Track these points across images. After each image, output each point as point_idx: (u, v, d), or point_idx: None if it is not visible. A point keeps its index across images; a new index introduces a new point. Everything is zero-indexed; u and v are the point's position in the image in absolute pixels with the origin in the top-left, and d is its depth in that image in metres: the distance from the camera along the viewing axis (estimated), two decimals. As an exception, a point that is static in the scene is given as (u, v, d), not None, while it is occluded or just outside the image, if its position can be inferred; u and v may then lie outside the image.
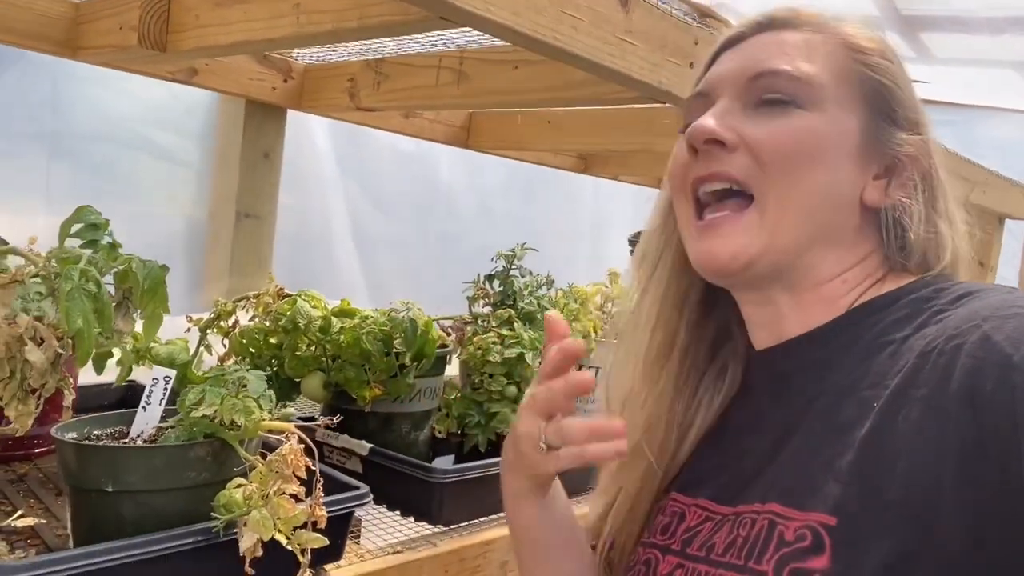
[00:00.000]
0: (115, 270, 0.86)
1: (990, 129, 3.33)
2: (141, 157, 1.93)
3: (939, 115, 3.08)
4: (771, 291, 0.70)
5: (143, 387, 0.95)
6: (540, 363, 0.81)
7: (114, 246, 0.89)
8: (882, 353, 0.62)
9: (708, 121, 0.68)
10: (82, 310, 0.76)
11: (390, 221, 2.52)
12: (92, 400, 1.31)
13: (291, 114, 1.99)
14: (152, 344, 1.12)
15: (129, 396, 1.39)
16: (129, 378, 1.09)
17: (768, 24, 0.73)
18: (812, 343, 0.69)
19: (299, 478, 0.84)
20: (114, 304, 0.83)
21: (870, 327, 0.65)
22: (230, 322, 1.30)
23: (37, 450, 1.24)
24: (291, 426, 0.87)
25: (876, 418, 0.58)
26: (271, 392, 0.91)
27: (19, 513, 1.02)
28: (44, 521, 1.01)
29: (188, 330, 1.27)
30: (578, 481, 1.14)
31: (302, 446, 0.85)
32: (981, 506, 0.51)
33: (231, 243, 1.95)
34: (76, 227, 0.89)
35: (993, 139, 3.27)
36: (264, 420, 0.88)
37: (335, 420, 0.92)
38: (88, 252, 0.84)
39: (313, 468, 0.85)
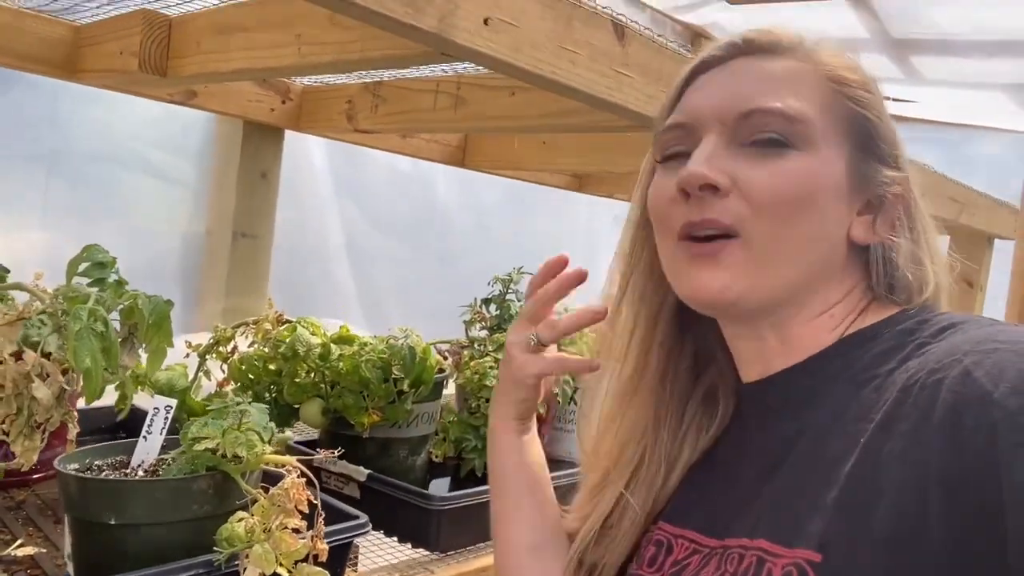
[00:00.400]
0: (121, 306, 0.87)
1: (980, 147, 3.35)
2: (138, 176, 1.93)
3: (929, 134, 3.10)
4: (760, 328, 0.70)
5: (140, 410, 0.95)
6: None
7: (120, 283, 0.90)
8: (867, 387, 0.62)
9: (701, 167, 0.66)
10: (90, 350, 0.77)
11: (386, 239, 2.52)
12: (89, 423, 1.31)
13: (288, 133, 2.00)
14: (152, 371, 1.12)
15: (126, 419, 1.39)
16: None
17: (747, 48, 0.70)
18: (799, 376, 0.69)
19: (300, 512, 0.85)
20: (120, 340, 0.84)
21: (856, 359, 0.65)
22: (229, 348, 1.30)
23: (35, 476, 1.24)
24: (293, 460, 0.88)
25: (861, 453, 0.58)
26: (272, 424, 0.92)
27: (19, 542, 1.02)
28: (44, 550, 1.02)
29: (187, 355, 1.28)
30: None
31: (303, 480, 0.86)
32: (964, 540, 0.51)
33: (228, 262, 1.96)
34: (83, 266, 0.90)
35: (983, 157, 3.30)
36: (266, 453, 0.89)
37: (336, 453, 0.92)
38: (95, 291, 0.85)
39: (315, 502, 0.85)
